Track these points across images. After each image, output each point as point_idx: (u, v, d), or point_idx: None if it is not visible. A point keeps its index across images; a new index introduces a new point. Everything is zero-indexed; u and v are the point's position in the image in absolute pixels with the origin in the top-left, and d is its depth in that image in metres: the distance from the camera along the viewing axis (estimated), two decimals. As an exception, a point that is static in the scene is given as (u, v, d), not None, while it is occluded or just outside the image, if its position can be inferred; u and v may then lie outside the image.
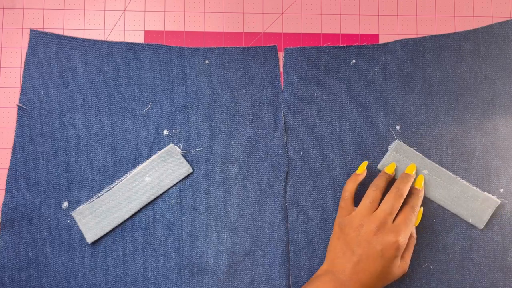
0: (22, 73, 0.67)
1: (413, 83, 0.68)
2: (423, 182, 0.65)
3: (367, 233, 0.59)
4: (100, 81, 0.67)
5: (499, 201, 0.66)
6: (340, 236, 0.61)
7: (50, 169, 0.65)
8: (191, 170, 0.66)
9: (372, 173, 0.67)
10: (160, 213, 0.65)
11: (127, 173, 0.65)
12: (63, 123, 0.66)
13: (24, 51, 0.67)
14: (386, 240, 0.58)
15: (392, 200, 0.61)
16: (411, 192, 0.64)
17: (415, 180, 0.65)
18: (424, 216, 0.66)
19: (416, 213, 0.62)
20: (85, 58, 0.67)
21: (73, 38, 0.67)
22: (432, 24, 0.71)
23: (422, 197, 0.64)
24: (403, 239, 0.59)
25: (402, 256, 0.61)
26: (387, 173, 0.64)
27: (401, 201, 0.61)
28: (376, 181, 0.63)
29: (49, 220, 0.65)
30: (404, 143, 0.67)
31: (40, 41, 0.67)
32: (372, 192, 0.62)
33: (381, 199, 0.62)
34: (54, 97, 0.66)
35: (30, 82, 0.66)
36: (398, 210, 0.61)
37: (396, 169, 0.66)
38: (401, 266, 0.60)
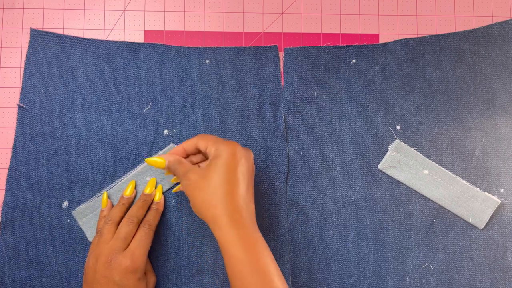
0: (22, 73, 0.67)
1: (413, 83, 0.68)
2: (162, 192, 0.65)
3: (101, 268, 0.57)
4: (101, 81, 0.67)
5: (499, 201, 0.66)
6: (85, 279, 0.59)
7: (50, 168, 0.65)
8: (192, 170, 0.66)
9: (373, 173, 0.67)
10: (161, 213, 0.65)
11: (127, 172, 0.65)
12: (64, 122, 0.66)
13: (24, 51, 0.67)
14: (120, 267, 0.57)
15: (125, 227, 0.59)
16: (150, 207, 0.64)
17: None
18: (424, 216, 0.66)
19: (152, 229, 0.61)
20: (85, 58, 0.67)
21: (73, 37, 0.67)
22: (432, 24, 0.71)
23: (161, 209, 0.64)
24: (138, 260, 0.57)
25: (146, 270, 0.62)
26: (124, 197, 0.64)
27: (135, 225, 0.60)
28: (112, 212, 0.62)
29: (49, 220, 0.65)
30: (405, 143, 0.67)
31: (41, 41, 0.67)
32: (104, 227, 0.60)
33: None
34: (55, 96, 0.66)
35: (30, 81, 0.66)
36: (134, 233, 0.60)
37: (137, 187, 0.65)
38: (150, 281, 0.62)
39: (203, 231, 0.65)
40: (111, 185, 0.65)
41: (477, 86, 0.69)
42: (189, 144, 0.59)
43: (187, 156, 0.61)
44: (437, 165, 0.67)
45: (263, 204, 0.66)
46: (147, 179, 0.65)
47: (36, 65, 0.66)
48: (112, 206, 0.64)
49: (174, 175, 0.59)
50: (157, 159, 0.59)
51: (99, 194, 0.65)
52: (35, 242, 0.64)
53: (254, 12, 0.70)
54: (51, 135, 0.66)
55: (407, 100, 0.68)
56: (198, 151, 0.60)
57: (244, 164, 0.56)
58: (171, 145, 0.66)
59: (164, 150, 0.66)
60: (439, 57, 0.69)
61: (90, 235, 0.64)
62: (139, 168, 0.65)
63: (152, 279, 0.62)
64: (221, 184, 0.54)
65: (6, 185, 0.64)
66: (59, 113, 0.66)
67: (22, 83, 0.66)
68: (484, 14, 0.71)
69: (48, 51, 0.67)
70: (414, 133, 0.68)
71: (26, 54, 0.67)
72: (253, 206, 0.56)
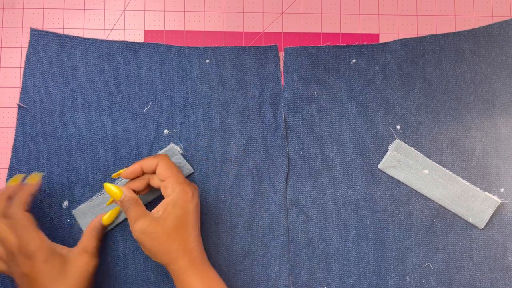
0: (22, 72, 0.67)
1: (413, 82, 0.68)
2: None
3: None
4: (101, 80, 0.67)
5: (499, 201, 0.66)
6: None
7: (50, 168, 0.65)
8: (192, 171, 0.66)
9: (373, 173, 0.67)
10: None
11: (127, 172, 0.65)
12: (64, 122, 0.66)
13: (24, 50, 0.67)
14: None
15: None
16: None
17: None
18: (424, 216, 0.66)
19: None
20: (85, 57, 0.67)
21: (73, 37, 0.67)
22: (432, 23, 0.71)
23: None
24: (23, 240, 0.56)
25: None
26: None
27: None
28: None
29: (49, 219, 0.65)
30: (405, 142, 0.67)
31: (41, 40, 0.67)
32: None
33: None
34: (55, 96, 0.66)
35: (30, 81, 0.66)
36: None
37: None
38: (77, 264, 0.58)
39: (203, 231, 0.65)
40: (111, 185, 0.65)
41: (477, 86, 0.69)
42: (148, 164, 0.60)
43: (143, 174, 0.61)
44: (437, 164, 0.67)
45: (263, 204, 0.66)
46: None
47: (36, 65, 0.66)
48: None
49: (124, 210, 0.59)
50: (113, 189, 0.59)
51: (99, 193, 0.65)
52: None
53: (254, 12, 0.70)
54: (51, 135, 0.66)
55: (407, 100, 0.68)
56: (154, 172, 0.60)
57: (196, 207, 0.59)
58: (171, 145, 0.66)
59: (164, 150, 0.66)
60: (439, 57, 0.69)
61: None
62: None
63: (83, 258, 0.59)
64: (176, 231, 0.57)
65: (5, 184, 0.64)
66: (59, 113, 0.66)
67: (22, 83, 0.66)
68: (484, 14, 0.71)
69: (48, 50, 0.67)
70: (414, 132, 0.68)
71: (26, 54, 0.67)
72: (200, 240, 0.60)
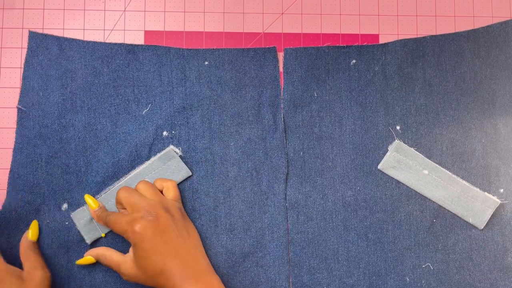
0: (22, 73, 0.67)
1: (413, 83, 0.68)
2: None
3: None
4: (100, 83, 0.67)
5: (499, 201, 0.66)
6: None
7: (50, 170, 0.65)
8: (190, 173, 0.66)
9: (373, 173, 0.67)
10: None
11: (126, 174, 0.65)
12: (63, 124, 0.66)
13: (24, 51, 0.67)
14: None
15: None
16: None
17: None
18: (424, 216, 0.67)
19: None
20: (84, 60, 0.67)
21: (72, 39, 0.67)
22: (432, 24, 0.71)
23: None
24: None
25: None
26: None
27: None
28: None
29: (48, 222, 0.64)
30: (404, 143, 0.67)
31: (40, 43, 0.67)
32: None
33: None
34: (54, 98, 0.66)
35: (29, 83, 0.66)
36: None
37: None
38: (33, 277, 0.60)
39: (202, 233, 0.65)
40: (110, 187, 0.65)
41: (477, 86, 0.69)
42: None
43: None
44: (437, 165, 0.67)
45: (262, 206, 0.66)
46: None
47: (35, 68, 0.66)
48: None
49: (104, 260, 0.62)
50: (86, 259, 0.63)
51: (97, 196, 0.65)
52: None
53: (254, 13, 0.70)
54: (50, 137, 0.66)
55: (407, 101, 0.68)
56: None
57: (153, 237, 0.57)
58: (170, 147, 0.66)
59: (162, 152, 0.66)
60: (439, 58, 0.69)
61: (88, 237, 0.64)
62: (138, 170, 0.65)
63: (37, 275, 0.60)
64: (154, 274, 0.57)
65: (8, 185, 0.65)
66: (58, 115, 0.66)
67: (21, 86, 0.66)
68: (484, 14, 0.71)
69: (47, 53, 0.67)
70: (414, 133, 0.68)
71: (25, 57, 0.67)
72: (197, 251, 0.60)
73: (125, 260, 0.60)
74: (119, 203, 0.61)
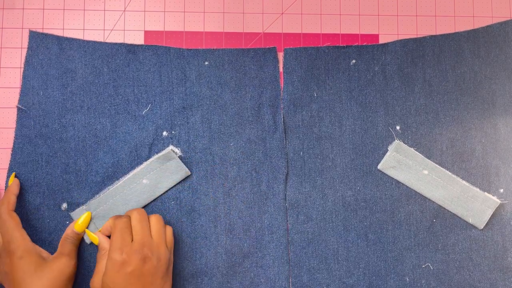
0: (22, 73, 0.67)
1: (413, 83, 0.68)
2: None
3: None
4: (100, 83, 0.67)
5: (499, 201, 0.66)
6: None
7: (49, 170, 0.65)
8: (189, 173, 0.66)
9: (373, 173, 0.67)
10: (160, 214, 0.65)
11: (126, 174, 0.65)
12: (63, 124, 0.66)
13: (24, 51, 0.67)
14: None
15: None
16: None
17: None
18: (424, 216, 0.67)
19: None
20: (84, 60, 0.67)
21: (72, 39, 0.67)
22: (432, 24, 0.71)
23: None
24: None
25: None
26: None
27: None
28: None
29: (48, 221, 0.65)
30: (404, 143, 0.67)
31: (40, 42, 0.67)
32: None
33: None
34: (54, 98, 0.66)
35: (29, 83, 0.66)
36: None
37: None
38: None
39: (202, 233, 0.65)
40: (110, 187, 0.65)
41: (477, 86, 0.69)
42: (104, 229, 0.62)
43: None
44: (437, 165, 0.67)
45: (262, 206, 0.66)
46: (144, 182, 0.65)
47: (35, 67, 0.66)
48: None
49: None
50: (93, 236, 0.62)
51: (97, 196, 0.65)
52: (34, 243, 0.64)
53: (254, 13, 0.70)
54: (50, 137, 0.66)
55: (407, 100, 0.68)
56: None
57: (131, 274, 0.57)
58: (170, 147, 0.66)
59: (162, 152, 0.66)
60: (439, 58, 0.69)
61: (87, 236, 0.64)
62: (137, 170, 0.65)
63: (62, 260, 0.60)
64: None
65: (5, 186, 0.65)
66: (58, 115, 0.66)
67: (21, 85, 0.66)
68: (484, 14, 0.71)
69: (47, 53, 0.67)
70: (414, 133, 0.68)
71: (25, 56, 0.67)
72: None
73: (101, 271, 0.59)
74: (122, 217, 0.61)
